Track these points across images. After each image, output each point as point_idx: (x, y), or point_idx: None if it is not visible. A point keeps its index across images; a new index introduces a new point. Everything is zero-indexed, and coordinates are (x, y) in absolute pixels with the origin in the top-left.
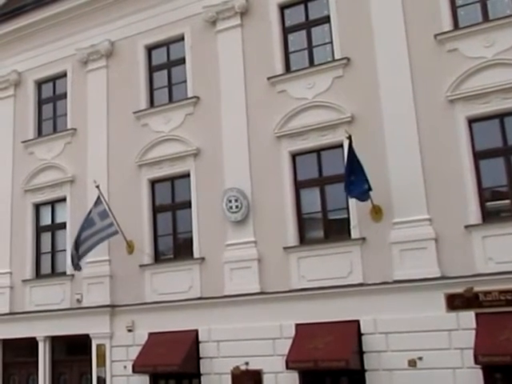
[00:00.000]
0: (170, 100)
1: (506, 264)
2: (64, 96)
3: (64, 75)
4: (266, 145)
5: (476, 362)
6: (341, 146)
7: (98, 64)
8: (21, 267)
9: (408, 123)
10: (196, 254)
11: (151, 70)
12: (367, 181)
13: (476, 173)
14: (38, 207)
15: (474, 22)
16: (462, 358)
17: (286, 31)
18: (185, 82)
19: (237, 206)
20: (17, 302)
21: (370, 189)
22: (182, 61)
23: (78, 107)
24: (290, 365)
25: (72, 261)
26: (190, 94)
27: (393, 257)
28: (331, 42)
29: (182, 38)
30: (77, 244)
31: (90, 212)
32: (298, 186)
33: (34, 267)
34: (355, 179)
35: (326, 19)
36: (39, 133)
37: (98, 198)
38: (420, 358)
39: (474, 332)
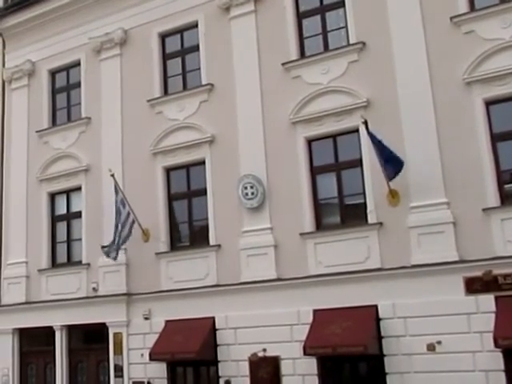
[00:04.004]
0: (185, 87)
1: None
2: (78, 85)
3: (78, 64)
4: (282, 131)
5: (496, 345)
6: (357, 130)
7: (111, 52)
8: (37, 257)
9: (425, 106)
10: (212, 242)
11: (165, 57)
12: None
13: (494, 155)
14: (53, 196)
15: (490, 4)
16: (482, 342)
17: (300, 16)
18: (199, 69)
19: (252, 193)
20: (33, 291)
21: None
22: (196, 48)
23: (91, 96)
24: (307, 351)
25: (109, 251)
26: (204, 82)
27: (411, 241)
28: (346, 27)
29: (195, 25)
30: (118, 233)
31: (117, 202)
32: (314, 171)
33: (50, 256)
34: (388, 160)
35: (341, 3)
36: (53, 122)
37: (115, 187)
38: (439, 342)
39: (493, 315)
